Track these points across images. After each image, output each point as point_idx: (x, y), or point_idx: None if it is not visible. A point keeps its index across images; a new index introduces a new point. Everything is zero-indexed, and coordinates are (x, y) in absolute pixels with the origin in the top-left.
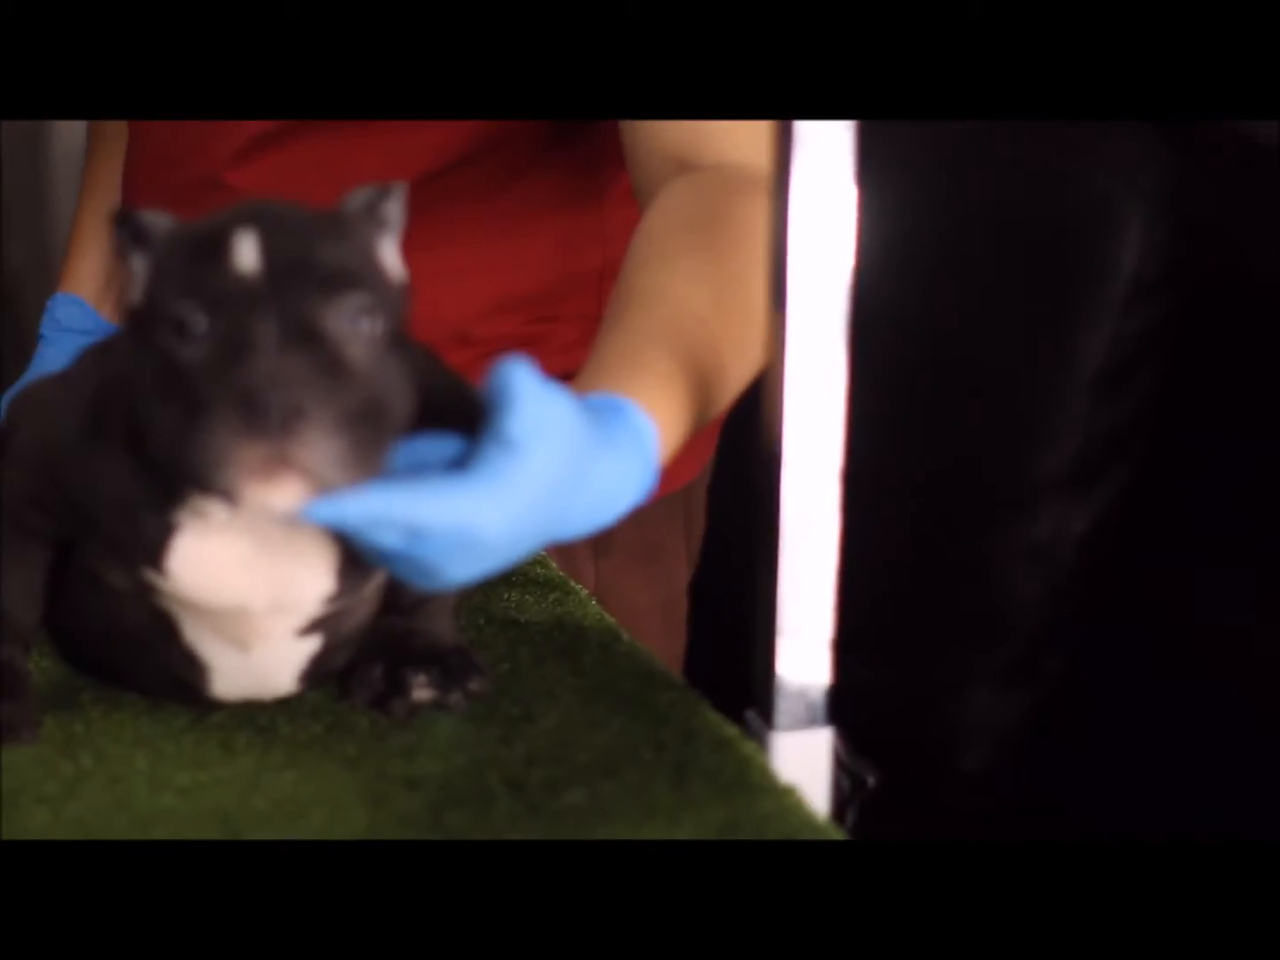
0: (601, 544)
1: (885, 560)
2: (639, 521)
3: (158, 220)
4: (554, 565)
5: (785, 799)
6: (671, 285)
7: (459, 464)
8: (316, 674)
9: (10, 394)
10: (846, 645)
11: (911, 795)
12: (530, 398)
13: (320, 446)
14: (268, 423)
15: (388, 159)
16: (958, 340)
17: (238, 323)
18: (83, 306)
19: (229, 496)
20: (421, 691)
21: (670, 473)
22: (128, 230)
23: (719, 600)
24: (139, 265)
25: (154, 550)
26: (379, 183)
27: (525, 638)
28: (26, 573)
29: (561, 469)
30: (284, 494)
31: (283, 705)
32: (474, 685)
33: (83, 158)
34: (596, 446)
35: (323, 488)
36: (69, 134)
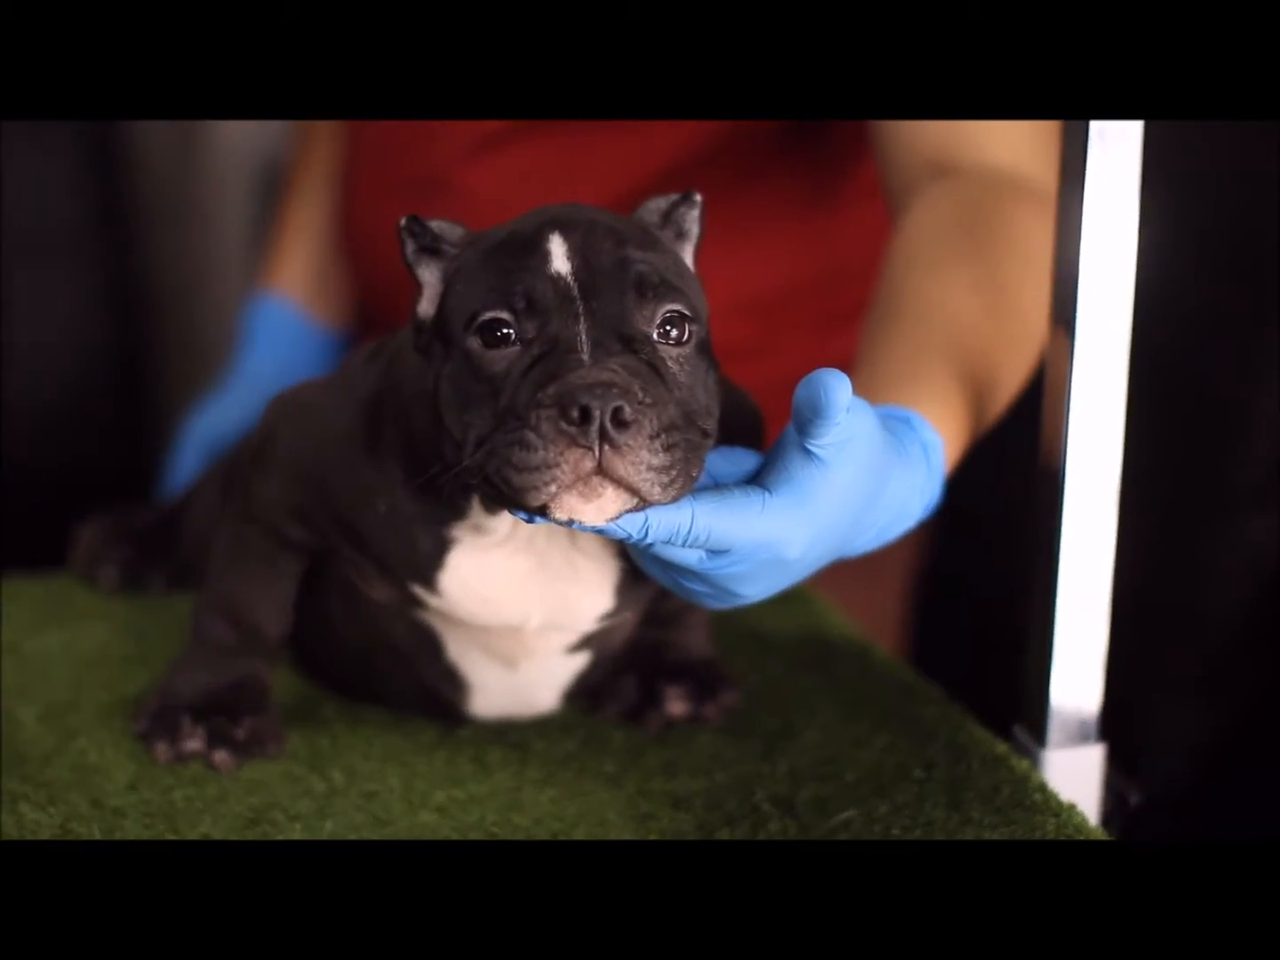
0: None
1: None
2: None
3: (449, 229)
4: None
5: (1069, 818)
6: (943, 294)
7: (755, 479)
8: (579, 691)
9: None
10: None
11: None
12: (845, 410)
13: (641, 459)
14: (589, 431)
15: (618, 161)
16: (1173, 341)
17: (554, 327)
18: (291, 308)
19: (540, 510)
20: (676, 704)
21: None
22: (418, 239)
23: (947, 603)
24: (430, 275)
25: (427, 566)
26: (680, 193)
27: (773, 649)
28: (279, 585)
29: (864, 484)
30: (598, 509)
31: (532, 720)
32: (727, 698)
33: (229, 162)
34: (893, 460)
35: (638, 502)
36: (216, 138)
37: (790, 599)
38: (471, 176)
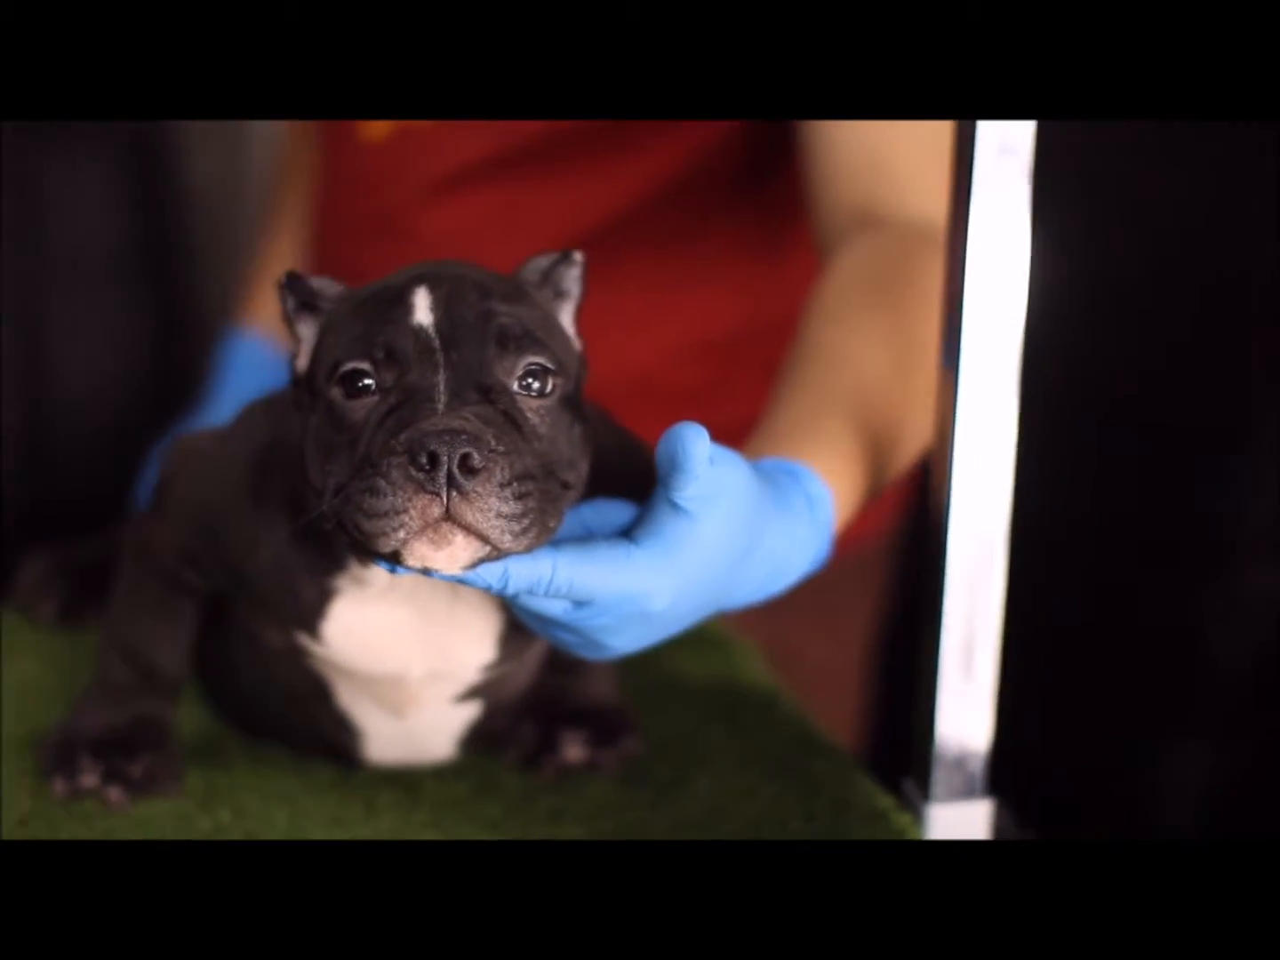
0: (778, 601)
1: (1081, 616)
2: (817, 580)
3: (328, 285)
4: (721, 622)
5: None
6: (852, 346)
7: (629, 532)
8: (476, 739)
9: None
10: (1034, 706)
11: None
12: (705, 462)
13: (490, 506)
14: (437, 477)
15: (574, 205)
16: (1159, 389)
17: (412, 377)
18: (265, 343)
19: (394, 557)
20: (572, 750)
21: (850, 533)
22: (296, 295)
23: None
24: (306, 330)
25: (310, 616)
26: (560, 250)
27: (686, 698)
28: (176, 628)
29: (735, 537)
30: (450, 557)
31: (432, 765)
32: (627, 747)
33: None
34: (771, 513)
35: (490, 550)
36: (266, 162)
37: (712, 646)
38: (427, 220)
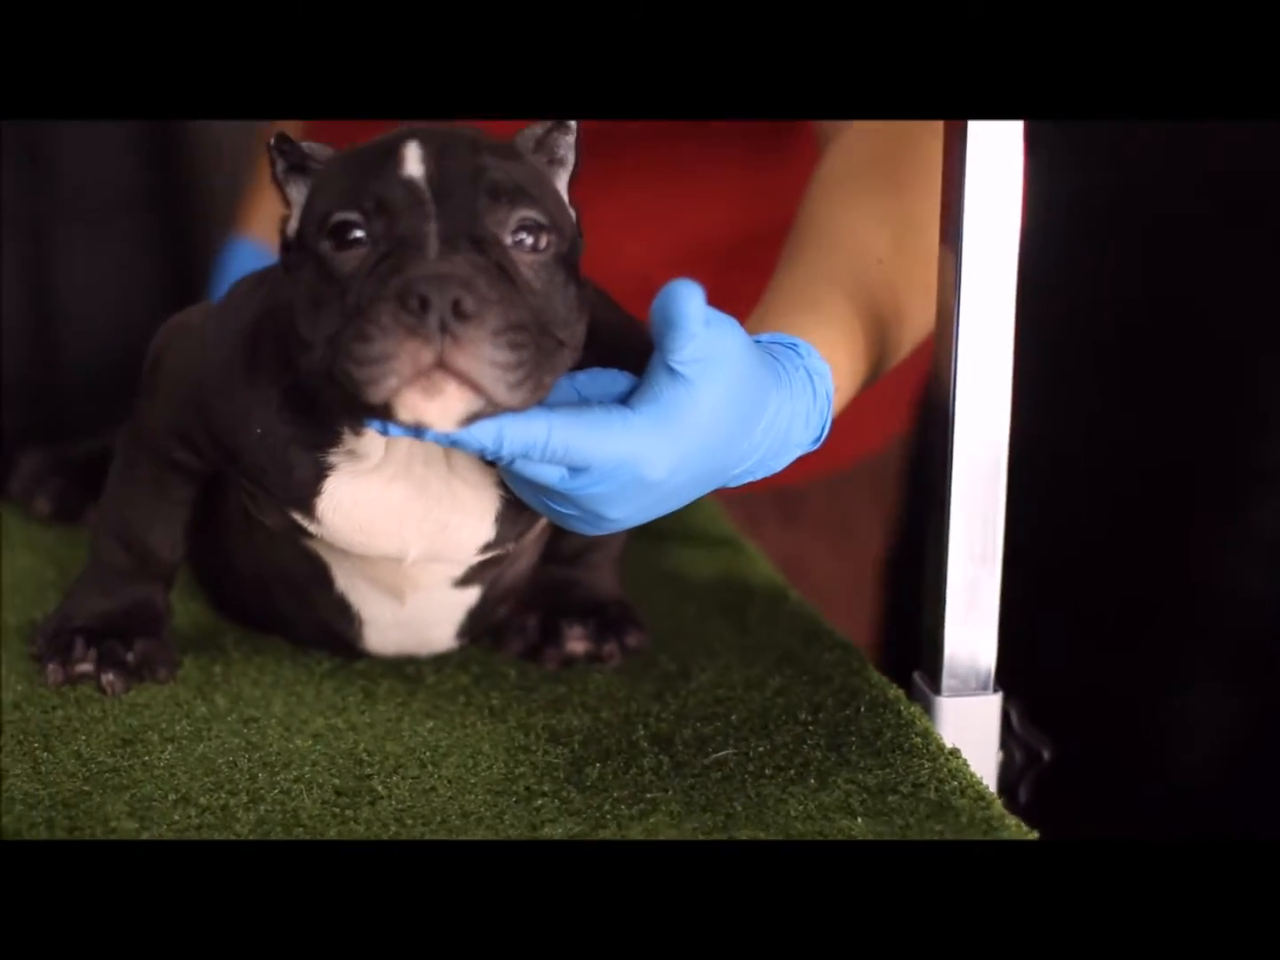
0: (790, 512)
1: (1101, 548)
2: (830, 490)
3: (320, 149)
4: (726, 521)
5: (948, 762)
6: (852, 226)
7: (626, 400)
8: (475, 628)
9: None
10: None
11: (1112, 786)
12: (700, 320)
13: (483, 354)
14: (428, 321)
15: None
16: (1183, 319)
17: (402, 227)
18: (264, 251)
19: (386, 412)
20: (576, 643)
21: (862, 440)
22: (286, 157)
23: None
24: (296, 193)
25: (305, 493)
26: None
27: (691, 593)
28: (170, 509)
29: (735, 405)
30: (443, 409)
31: (430, 657)
32: (631, 640)
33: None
34: (771, 385)
35: (484, 404)
36: None
37: (717, 544)
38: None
